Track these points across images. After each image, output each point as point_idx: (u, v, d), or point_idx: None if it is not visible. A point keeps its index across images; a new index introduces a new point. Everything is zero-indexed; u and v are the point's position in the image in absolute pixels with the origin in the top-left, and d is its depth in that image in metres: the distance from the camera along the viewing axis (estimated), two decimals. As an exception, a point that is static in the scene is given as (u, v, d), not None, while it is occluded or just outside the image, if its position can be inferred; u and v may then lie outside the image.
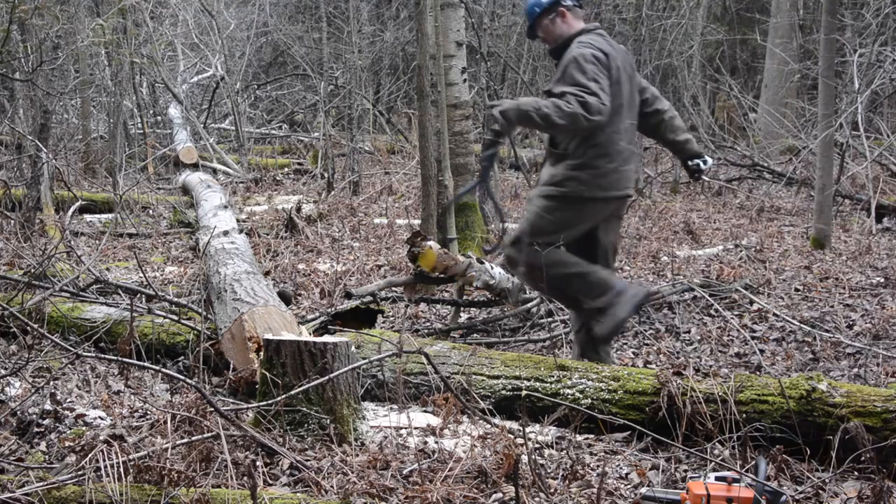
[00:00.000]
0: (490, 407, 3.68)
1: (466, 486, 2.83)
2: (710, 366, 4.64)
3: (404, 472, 2.93)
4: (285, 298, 4.99)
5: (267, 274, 6.38)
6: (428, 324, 5.65)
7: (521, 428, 3.17)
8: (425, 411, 3.73)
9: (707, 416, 3.43)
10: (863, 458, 3.11)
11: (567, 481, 3.02)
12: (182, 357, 4.50)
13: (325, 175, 11.42)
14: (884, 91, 11.03)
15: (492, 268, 5.14)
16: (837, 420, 3.24)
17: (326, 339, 3.47)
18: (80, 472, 2.68)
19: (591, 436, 3.61)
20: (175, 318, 4.72)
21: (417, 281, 5.26)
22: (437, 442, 3.30)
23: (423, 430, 3.43)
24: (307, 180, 12.22)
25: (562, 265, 4.08)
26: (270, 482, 2.94)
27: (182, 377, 3.22)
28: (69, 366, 4.26)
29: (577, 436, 3.58)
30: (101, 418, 3.56)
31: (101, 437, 2.76)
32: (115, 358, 3.34)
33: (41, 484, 2.64)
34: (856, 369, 4.54)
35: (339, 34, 14.59)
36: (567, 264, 4.09)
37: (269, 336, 3.51)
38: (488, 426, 3.33)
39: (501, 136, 4.07)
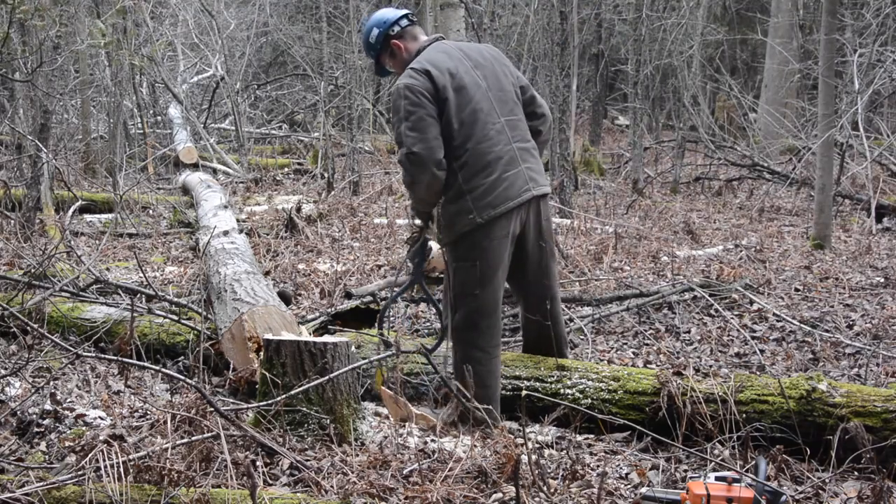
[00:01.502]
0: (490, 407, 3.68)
1: (466, 486, 2.83)
2: (710, 366, 4.64)
3: (404, 472, 2.93)
4: (285, 298, 4.99)
5: (267, 274, 6.38)
6: (428, 324, 5.65)
7: (521, 428, 3.17)
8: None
9: (707, 416, 3.43)
10: (863, 458, 3.11)
11: (567, 481, 3.02)
12: (182, 357, 4.50)
13: (325, 175, 11.42)
14: (884, 91, 11.03)
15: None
16: (837, 420, 3.24)
17: (326, 339, 3.47)
18: (80, 472, 2.68)
19: (591, 436, 3.61)
20: (175, 318, 4.72)
21: (417, 281, 5.25)
22: (436, 441, 3.30)
23: (422, 430, 3.43)
24: (307, 180, 12.22)
25: (481, 364, 3.63)
26: (270, 482, 2.94)
27: (182, 377, 3.22)
28: (69, 366, 4.26)
29: (577, 436, 3.58)
30: (101, 418, 3.56)
31: (101, 437, 2.75)
32: (115, 358, 3.34)
33: (41, 484, 2.64)
34: (856, 369, 4.54)
35: (339, 34, 14.59)
36: (483, 361, 3.66)
37: (269, 336, 3.51)
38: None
39: (424, 228, 3.87)
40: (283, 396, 3.17)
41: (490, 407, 3.38)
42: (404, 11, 3.92)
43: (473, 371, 3.59)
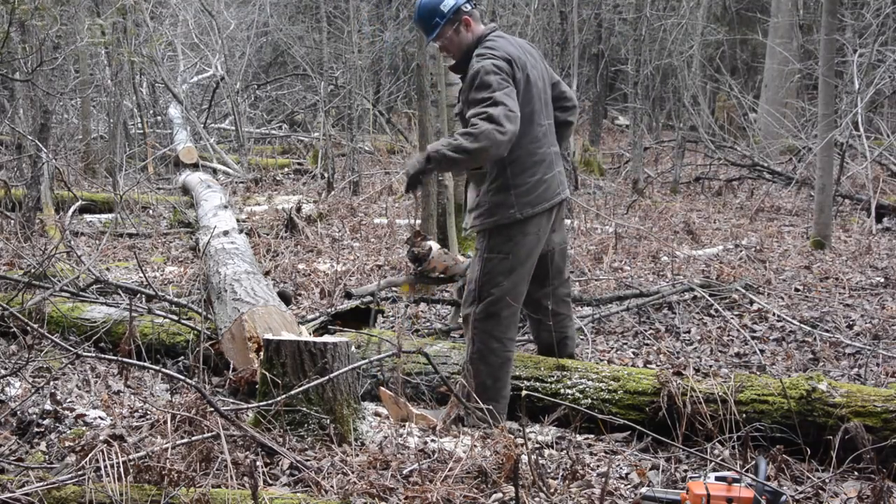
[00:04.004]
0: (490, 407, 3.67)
1: (466, 486, 2.83)
2: (710, 366, 4.64)
3: (404, 472, 2.93)
4: (285, 298, 4.99)
5: (267, 274, 6.38)
6: (428, 324, 5.65)
7: (521, 428, 3.17)
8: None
9: (707, 416, 3.43)
10: (863, 458, 3.11)
11: (567, 481, 3.02)
12: (182, 357, 4.50)
13: (325, 175, 11.42)
14: (884, 91, 11.03)
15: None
16: (837, 420, 3.24)
17: (326, 339, 3.47)
18: (80, 472, 2.68)
19: (591, 436, 3.61)
20: (175, 318, 4.72)
21: (417, 281, 5.25)
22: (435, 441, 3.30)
23: (423, 430, 3.43)
24: (307, 180, 12.22)
25: (494, 352, 3.69)
26: (270, 482, 2.94)
27: (182, 377, 3.22)
28: (69, 366, 4.26)
29: (577, 436, 3.58)
30: (101, 418, 3.56)
31: (101, 437, 2.75)
32: (115, 358, 3.34)
33: (41, 484, 2.64)
34: (856, 369, 4.54)
35: (339, 34, 14.59)
36: (499, 353, 3.70)
37: (269, 336, 3.51)
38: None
39: (421, 177, 3.69)
40: (283, 397, 3.17)
41: (490, 407, 3.39)
42: None
43: (488, 362, 3.68)
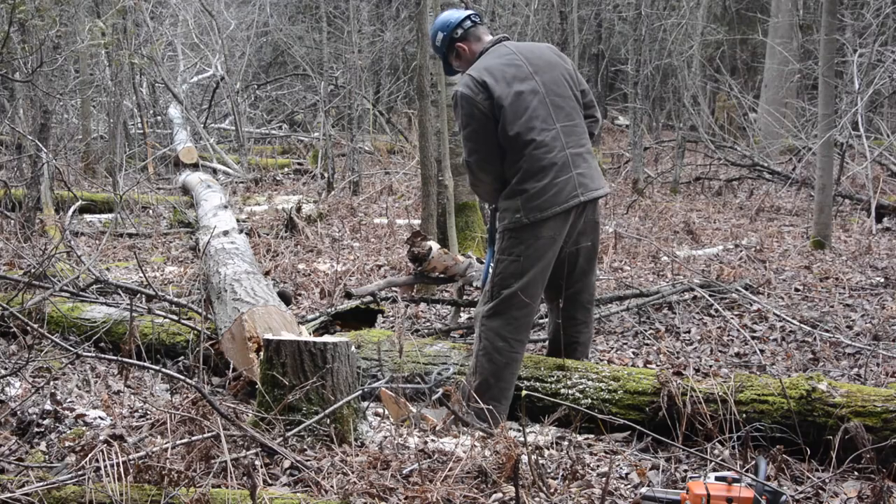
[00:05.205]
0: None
1: (466, 486, 2.83)
2: (710, 366, 4.64)
3: (404, 472, 2.93)
4: (285, 298, 4.99)
5: (267, 274, 6.38)
6: (428, 324, 5.65)
7: (521, 428, 3.17)
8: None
9: (707, 416, 3.43)
10: (863, 458, 3.11)
11: (567, 481, 3.02)
12: (182, 357, 4.50)
13: (325, 175, 11.43)
14: (884, 91, 11.02)
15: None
16: (837, 420, 3.24)
17: (326, 339, 3.47)
18: (80, 472, 2.68)
19: (591, 436, 3.61)
20: (175, 318, 4.72)
21: (418, 281, 5.26)
22: (434, 441, 3.30)
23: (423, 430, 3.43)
24: (307, 180, 12.23)
25: (498, 349, 3.71)
26: (270, 482, 2.94)
27: (182, 377, 3.22)
28: (69, 366, 4.26)
29: (577, 436, 3.58)
30: (101, 418, 3.56)
31: (101, 437, 2.76)
32: (115, 358, 3.34)
33: (41, 484, 2.64)
34: (856, 369, 4.54)
35: (339, 34, 14.59)
36: (504, 352, 3.71)
37: (269, 336, 3.51)
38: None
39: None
40: (284, 403, 3.17)
41: (490, 406, 3.38)
42: (468, 12, 3.99)
43: (493, 360, 3.69)
